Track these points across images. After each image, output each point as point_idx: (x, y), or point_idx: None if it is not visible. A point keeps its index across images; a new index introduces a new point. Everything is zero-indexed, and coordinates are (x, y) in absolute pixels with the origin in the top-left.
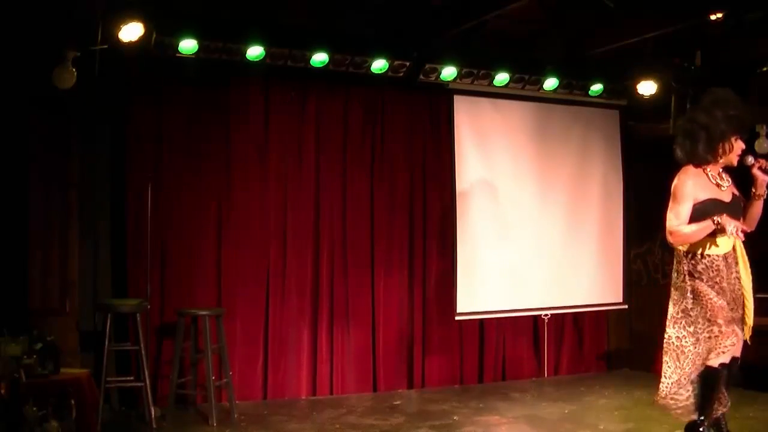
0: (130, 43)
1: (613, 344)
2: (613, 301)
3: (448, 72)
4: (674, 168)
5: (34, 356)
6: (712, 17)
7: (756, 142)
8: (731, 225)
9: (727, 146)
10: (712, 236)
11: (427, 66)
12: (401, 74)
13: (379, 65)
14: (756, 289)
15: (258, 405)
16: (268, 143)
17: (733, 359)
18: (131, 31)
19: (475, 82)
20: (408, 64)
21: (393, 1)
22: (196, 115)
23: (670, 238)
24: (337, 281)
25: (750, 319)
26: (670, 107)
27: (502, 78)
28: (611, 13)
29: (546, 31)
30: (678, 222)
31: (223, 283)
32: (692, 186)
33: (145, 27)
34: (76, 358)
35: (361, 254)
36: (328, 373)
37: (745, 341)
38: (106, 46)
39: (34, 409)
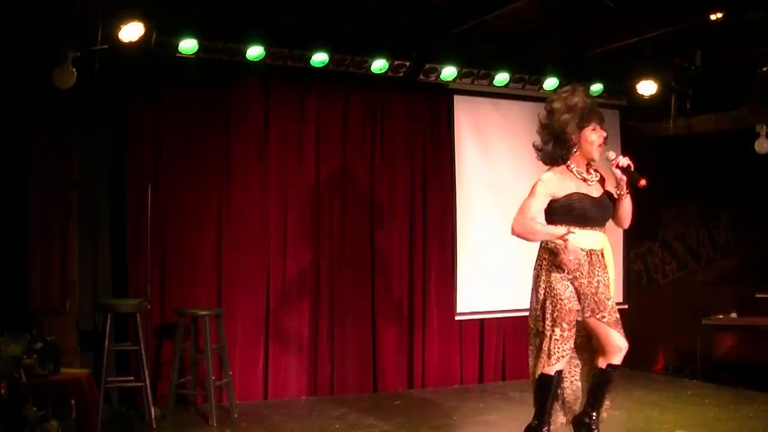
0: (130, 43)
1: None
2: None
3: (448, 72)
4: (673, 168)
5: (34, 356)
6: (712, 17)
7: (756, 142)
8: (571, 257)
9: (576, 138)
10: (581, 228)
11: (427, 66)
12: (401, 74)
13: (379, 65)
14: (757, 289)
15: (258, 405)
16: (268, 143)
17: (612, 366)
18: (131, 31)
19: (475, 82)
20: (408, 64)
21: (393, 1)
22: (196, 115)
23: (512, 226)
24: (337, 281)
25: None
26: (670, 107)
27: (502, 78)
28: (611, 13)
29: (546, 31)
30: (525, 215)
31: (223, 283)
32: (552, 183)
33: (145, 27)
34: (76, 358)
35: (361, 254)
36: (328, 373)
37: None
38: (106, 46)
39: (34, 409)
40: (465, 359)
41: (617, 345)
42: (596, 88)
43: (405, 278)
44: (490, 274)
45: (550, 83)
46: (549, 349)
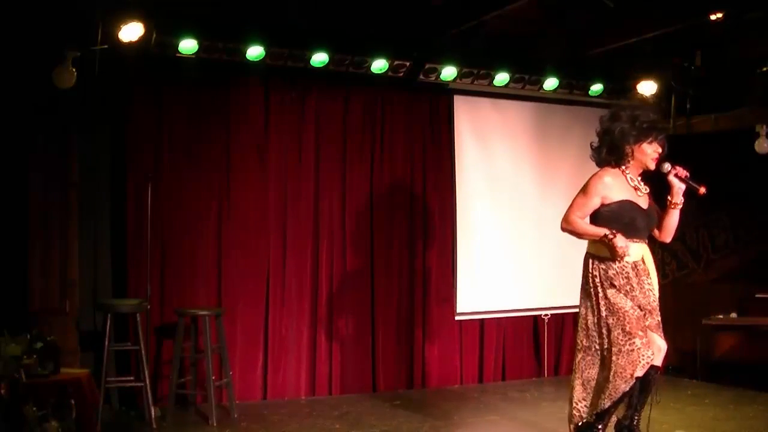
0: (130, 43)
1: None
2: None
3: (448, 72)
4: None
5: (34, 356)
6: (712, 17)
7: (756, 142)
8: (622, 244)
9: (631, 150)
10: (627, 239)
11: (427, 66)
12: (401, 74)
13: (379, 65)
14: (757, 289)
15: (258, 405)
16: (268, 143)
17: (654, 368)
18: (131, 31)
19: (475, 82)
20: (408, 64)
21: (393, 1)
22: (196, 115)
23: (561, 224)
24: (336, 281)
25: None
26: (670, 107)
27: (502, 78)
28: (611, 13)
29: (546, 31)
30: (578, 214)
31: (223, 283)
32: (607, 185)
33: (145, 27)
34: (76, 358)
35: (361, 254)
36: (327, 373)
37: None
38: (106, 46)
39: (34, 409)
40: (465, 359)
41: (657, 345)
42: (596, 88)
43: (405, 278)
44: (490, 274)
45: (550, 83)
46: (633, 359)
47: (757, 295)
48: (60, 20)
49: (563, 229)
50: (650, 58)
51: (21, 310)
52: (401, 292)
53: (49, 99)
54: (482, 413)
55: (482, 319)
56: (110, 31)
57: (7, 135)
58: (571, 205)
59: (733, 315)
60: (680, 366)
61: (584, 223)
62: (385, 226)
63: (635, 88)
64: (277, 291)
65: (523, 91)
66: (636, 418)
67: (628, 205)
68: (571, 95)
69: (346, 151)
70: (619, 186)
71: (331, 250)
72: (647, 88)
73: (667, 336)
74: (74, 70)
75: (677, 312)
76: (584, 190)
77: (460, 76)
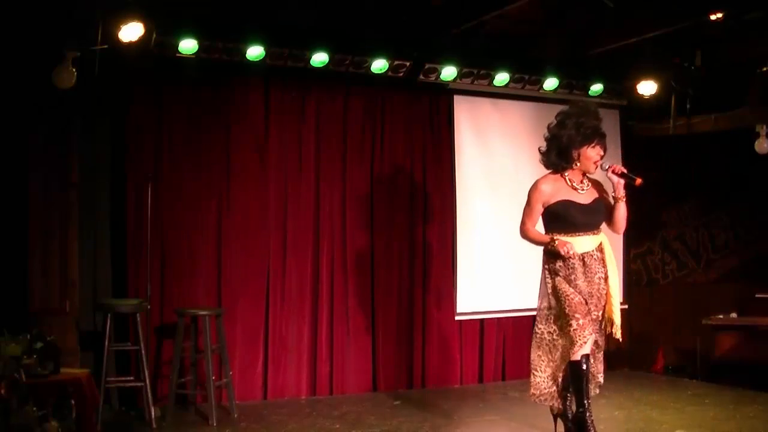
0: (130, 43)
1: (612, 344)
2: None
3: (448, 72)
4: (673, 168)
5: (34, 356)
6: (712, 17)
7: (756, 142)
8: (564, 249)
9: (577, 154)
10: (571, 235)
11: (427, 66)
12: (401, 74)
13: (379, 65)
14: (757, 289)
15: (258, 405)
16: (268, 143)
17: (584, 356)
18: (131, 31)
19: (475, 82)
20: (408, 64)
21: (393, 1)
22: (196, 115)
23: (520, 233)
24: (337, 281)
25: (617, 318)
26: (670, 107)
27: (502, 78)
28: (611, 13)
29: (546, 31)
30: (526, 224)
31: (223, 283)
32: (544, 190)
33: (145, 27)
34: (76, 358)
35: (361, 254)
36: (328, 372)
37: (615, 339)
38: (106, 46)
39: (34, 409)
40: (465, 359)
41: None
42: (596, 88)
43: (405, 278)
44: (490, 274)
45: (550, 83)
46: (572, 339)
47: (757, 295)
48: (60, 20)
49: (522, 238)
50: (650, 58)
51: (21, 310)
52: (401, 291)
53: (49, 99)
54: (482, 413)
55: (482, 319)
56: (110, 31)
57: (7, 135)
58: (522, 218)
59: (733, 315)
60: (680, 366)
61: (534, 232)
62: (385, 226)
63: (635, 88)
64: (277, 291)
65: (523, 91)
66: (583, 410)
67: (564, 205)
68: (571, 95)
69: (346, 151)
70: (557, 188)
71: (331, 250)
72: (647, 88)
73: (667, 336)
74: (74, 70)
75: (677, 312)
76: (527, 201)
77: (460, 76)
